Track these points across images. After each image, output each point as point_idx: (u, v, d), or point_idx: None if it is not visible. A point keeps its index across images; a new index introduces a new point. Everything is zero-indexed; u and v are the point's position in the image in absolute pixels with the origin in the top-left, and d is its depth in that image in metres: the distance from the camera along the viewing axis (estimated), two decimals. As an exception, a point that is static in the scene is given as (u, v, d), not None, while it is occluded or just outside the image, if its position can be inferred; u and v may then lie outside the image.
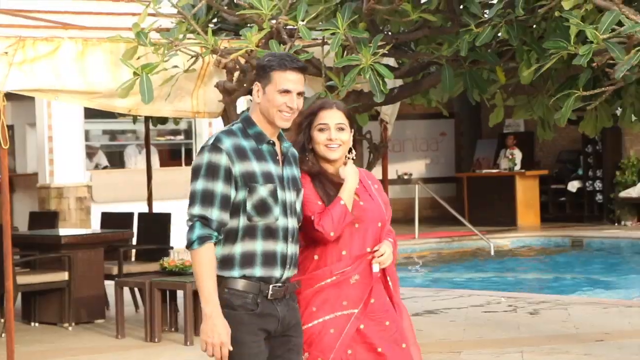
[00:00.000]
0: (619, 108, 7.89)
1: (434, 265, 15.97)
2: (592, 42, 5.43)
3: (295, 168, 4.30)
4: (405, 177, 20.94)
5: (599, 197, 19.39)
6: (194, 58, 7.49)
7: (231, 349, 4.07)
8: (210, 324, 4.04)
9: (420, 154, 21.50)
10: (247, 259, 4.11)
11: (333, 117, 4.40)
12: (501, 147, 20.13)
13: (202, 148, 4.17)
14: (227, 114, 8.13)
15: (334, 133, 4.39)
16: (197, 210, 4.09)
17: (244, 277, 4.12)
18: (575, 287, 13.32)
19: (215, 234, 4.08)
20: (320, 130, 4.40)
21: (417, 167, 21.36)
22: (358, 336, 4.37)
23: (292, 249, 4.20)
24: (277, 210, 4.12)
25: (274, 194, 4.12)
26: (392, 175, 20.68)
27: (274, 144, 4.20)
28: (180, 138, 18.36)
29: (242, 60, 7.51)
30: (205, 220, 4.07)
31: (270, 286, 4.13)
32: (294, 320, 4.25)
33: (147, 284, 8.80)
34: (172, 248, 10.47)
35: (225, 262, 4.12)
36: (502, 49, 7.46)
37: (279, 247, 4.15)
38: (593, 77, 6.89)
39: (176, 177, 16.02)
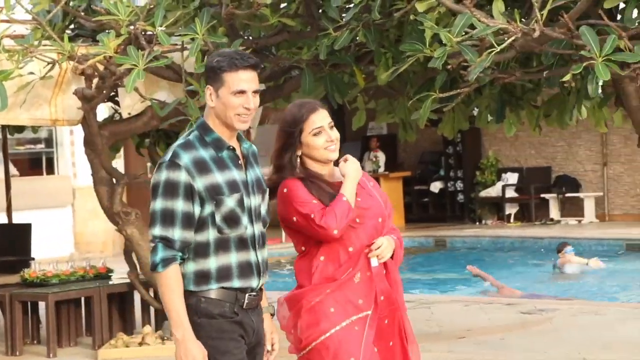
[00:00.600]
0: (476, 109, 8.06)
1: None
2: (446, 45, 5.53)
3: (257, 168, 4.08)
4: (271, 181, 20.93)
5: (460, 197, 19.77)
6: (50, 65, 7.33)
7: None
8: (183, 349, 3.84)
9: (286, 158, 21.51)
10: (224, 273, 3.92)
11: (324, 118, 4.27)
12: (365, 150, 20.34)
13: (160, 164, 3.94)
14: (87, 122, 7.99)
15: (331, 133, 4.27)
16: (157, 231, 3.88)
17: (221, 288, 3.93)
18: (438, 286, 13.54)
19: (179, 254, 3.88)
20: (316, 134, 4.25)
21: (282, 172, 21.36)
22: (385, 334, 4.28)
23: (262, 255, 4.01)
24: (245, 219, 3.94)
25: (241, 203, 3.93)
26: (257, 180, 20.63)
27: (233, 149, 3.98)
28: (40, 147, 17.95)
29: (101, 67, 7.39)
30: (167, 242, 3.87)
31: (246, 295, 3.95)
32: (262, 332, 4.08)
33: (7, 296, 8.58)
34: (33, 259, 10.22)
35: (200, 277, 3.92)
36: (361, 52, 7.54)
37: (251, 256, 3.96)
38: (450, 79, 7.01)
39: (37, 186, 15.65)
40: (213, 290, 3.90)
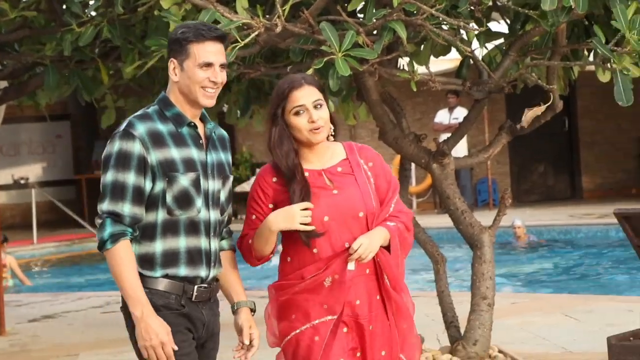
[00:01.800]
0: (225, 105, 8.07)
1: (55, 269, 15.60)
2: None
3: (222, 152, 3.78)
4: (22, 181, 20.28)
5: (215, 192, 19.81)
6: None
7: (176, 347, 3.56)
8: (143, 327, 3.53)
9: (37, 157, 20.90)
10: (170, 258, 3.63)
11: (308, 95, 3.80)
12: (118, 147, 20.03)
13: (113, 135, 3.63)
14: None
15: (315, 113, 3.80)
16: (106, 205, 3.58)
17: (166, 276, 3.63)
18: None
19: (130, 230, 3.58)
20: (297, 114, 3.80)
21: (34, 171, 20.74)
22: (346, 342, 3.81)
23: (216, 244, 3.72)
24: (199, 202, 3.64)
25: (196, 184, 3.63)
26: (7, 180, 19.96)
27: (195, 126, 3.68)
28: None
29: None
30: (116, 217, 3.57)
31: (195, 287, 3.65)
32: (216, 329, 3.78)
33: None
34: None
35: (144, 261, 3.62)
36: (108, 48, 7.39)
37: (202, 243, 3.67)
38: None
39: None
40: (158, 279, 3.62)
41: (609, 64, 5.61)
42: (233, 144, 19.67)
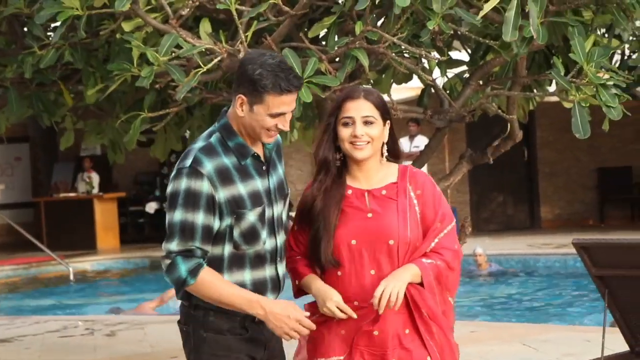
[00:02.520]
0: (188, 131, 8.05)
1: (11, 293, 15.43)
2: (153, 64, 5.50)
3: (280, 166, 3.73)
4: (-22, 204, 20.11)
5: (176, 217, 19.70)
6: None
7: (308, 319, 3.53)
8: (271, 317, 3.50)
9: (-5, 179, 20.75)
10: None
11: (359, 109, 3.67)
12: (78, 171, 19.91)
13: (180, 170, 3.55)
14: None
15: (359, 128, 3.66)
16: (175, 245, 3.50)
17: None
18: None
19: (202, 261, 3.53)
20: (345, 124, 3.68)
21: (-8, 194, 20.59)
22: None
23: (282, 268, 3.69)
24: (264, 234, 3.60)
25: (262, 217, 3.59)
26: (-35, 202, 19.78)
27: (258, 156, 3.63)
28: None
29: None
30: (187, 252, 3.50)
31: None
32: (277, 346, 3.73)
33: None
34: None
35: None
36: (69, 71, 7.36)
37: (267, 272, 3.64)
38: (160, 100, 6.98)
39: None
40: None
41: (568, 95, 5.66)
42: (194, 169, 19.64)
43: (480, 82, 6.19)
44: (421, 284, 3.66)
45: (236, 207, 3.54)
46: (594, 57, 5.34)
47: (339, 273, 3.66)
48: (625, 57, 7.76)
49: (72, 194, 19.57)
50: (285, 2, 5.49)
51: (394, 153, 3.80)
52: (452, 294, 3.75)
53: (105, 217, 19.28)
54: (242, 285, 3.59)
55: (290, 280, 3.83)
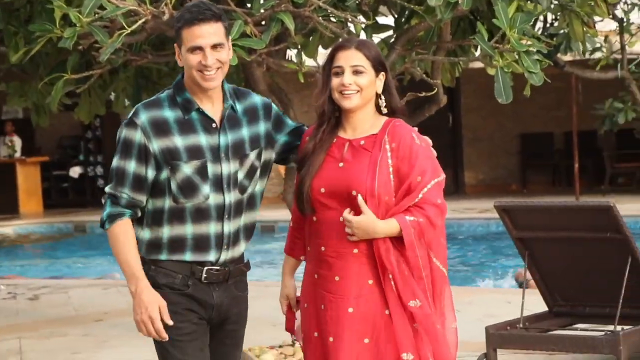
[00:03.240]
0: (113, 93, 7.98)
1: None
2: (76, 25, 5.43)
3: (248, 127, 3.72)
4: None
5: (100, 182, 19.55)
6: None
7: (170, 322, 3.58)
8: (136, 301, 3.59)
9: None
10: (176, 244, 3.67)
11: (349, 58, 3.67)
12: (0, 135, 19.61)
13: (123, 121, 3.70)
14: None
15: (347, 76, 3.65)
16: (108, 188, 3.68)
17: (170, 260, 3.68)
18: (79, 271, 13.35)
19: (128, 211, 3.64)
20: (335, 74, 3.68)
21: None
22: (315, 318, 3.70)
23: (230, 227, 3.69)
24: (206, 189, 3.64)
25: (201, 171, 3.63)
26: None
27: (202, 111, 3.65)
28: None
29: None
30: (114, 198, 3.65)
31: (205, 268, 3.67)
32: (236, 309, 3.77)
33: None
34: None
35: (152, 247, 3.68)
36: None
37: (211, 228, 3.67)
38: (85, 62, 6.89)
39: None
40: (164, 261, 3.67)
41: (492, 61, 5.72)
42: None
43: (407, 48, 6.22)
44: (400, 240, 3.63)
45: (170, 158, 3.63)
46: (516, 23, 5.40)
47: (314, 219, 3.72)
48: (548, 25, 7.87)
49: (-7, 158, 19.29)
50: (210, -36, 5.45)
51: (390, 107, 3.78)
52: (437, 254, 3.72)
53: (28, 181, 19.04)
54: (183, 239, 3.66)
55: None
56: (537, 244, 6.07)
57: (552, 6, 6.42)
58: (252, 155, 3.74)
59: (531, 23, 5.75)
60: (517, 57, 5.53)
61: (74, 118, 8.16)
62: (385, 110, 3.76)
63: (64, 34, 5.50)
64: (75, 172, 19.76)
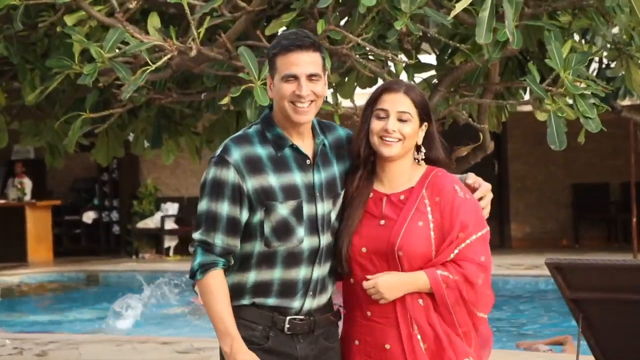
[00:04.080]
0: (131, 134, 8.04)
1: None
2: (97, 61, 5.49)
3: (337, 164, 3.75)
4: None
5: (115, 228, 19.65)
6: None
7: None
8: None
9: None
10: (261, 289, 3.69)
11: (396, 103, 3.69)
12: (9, 176, 19.77)
13: (210, 160, 3.72)
14: None
15: (392, 122, 3.67)
16: (199, 235, 3.68)
17: (253, 304, 3.68)
18: (90, 325, 13.36)
19: (222, 260, 3.66)
20: (378, 117, 3.70)
21: None
22: None
23: (319, 272, 3.71)
24: (301, 231, 3.66)
25: (297, 212, 3.65)
26: None
27: (297, 148, 3.68)
28: None
29: None
30: (207, 246, 3.66)
31: (288, 318, 3.69)
32: None
33: None
34: None
35: (235, 291, 3.69)
36: (4, 67, 7.32)
37: (301, 272, 3.69)
38: (103, 100, 6.96)
39: None
40: (246, 307, 3.68)
41: (543, 105, 5.72)
42: (137, 176, 19.57)
43: (450, 89, 6.24)
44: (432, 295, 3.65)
45: (265, 198, 3.63)
46: (571, 64, 5.40)
47: (352, 280, 3.72)
48: (603, 66, 7.86)
49: (1, 201, 19.41)
50: (241, -3, 5.51)
51: (431, 159, 3.80)
52: (480, 309, 3.71)
53: (38, 227, 19.13)
54: (269, 284, 3.66)
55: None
56: (592, 305, 6.01)
57: (608, 47, 6.43)
58: (342, 195, 3.76)
59: (586, 64, 5.75)
60: (570, 101, 5.53)
61: (88, 159, 8.23)
62: (422, 163, 3.79)
63: (84, 70, 5.57)
64: (88, 217, 19.85)
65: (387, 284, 3.62)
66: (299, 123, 3.67)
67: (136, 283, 16.90)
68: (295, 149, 3.69)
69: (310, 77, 3.64)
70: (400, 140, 3.70)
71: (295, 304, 3.69)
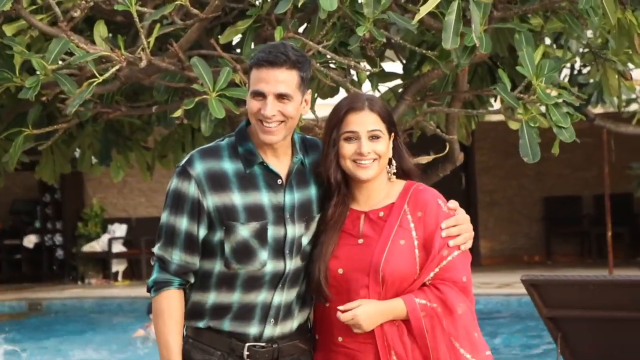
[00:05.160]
0: (78, 150, 7.99)
1: None
2: (39, 73, 5.46)
3: (314, 186, 3.72)
4: None
5: (59, 252, 19.51)
6: None
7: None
8: None
9: None
10: (219, 311, 3.67)
11: (364, 122, 3.67)
12: (-56, 198, 19.63)
13: (175, 170, 3.71)
14: None
15: (365, 145, 3.66)
16: (157, 249, 3.69)
17: (209, 328, 3.67)
18: (32, 357, 13.26)
19: (177, 279, 3.65)
20: (347, 139, 3.68)
21: None
22: None
23: (282, 297, 3.67)
24: (264, 255, 3.62)
25: (260, 234, 3.61)
26: None
27: (266, 166, 3.64)
28: None
29: None
30: (163, 263, 3.66)
31: (247, 345, 3.65)
32: None
33: None
34: None
35: (194, 311, 3.69)
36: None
37: (260, 297, 3.65)
38: (47, 114, 6.92)
39: None
40: (202, 330, 3.67)
41: (515, 114, 5.74)
42: (81, 197, 19.45)
43: (417, 98, 6.26)
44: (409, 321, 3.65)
45: (226, 217, 3.61)
46: (544, 71, 5.42)
47: (327, 304, 3.70)
48: (575, 72, 7.92)
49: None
50: (193, 4, 5.49)
51: (402, 170, 3.80)
52: (463, 343, 3.65)
53: (-24, 252, 19.00)
54: (226, 306, 3.64)
55: None
56: (571, 324, 6.04)
57: (583, 52, 6.48)
58: (316, 219, 3.72)
59: (559, 70, 5.78)
60: (543, 109, 5.56)
61: (29, 179, 8.17)
62: (393, 178, 3.77)
63: (25, 83, 5.53)
64: (30, 241, 19.71)
65: (366, 315, 3.60)
66: (265, 142, 3.64)
67: (83, 311, 16.80)
68: (266, 167, 3.66)
69: (280, 96, 3.61)
70: (375, 159, 3.70)
71: (253, 330, 3.67)
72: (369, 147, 3.67)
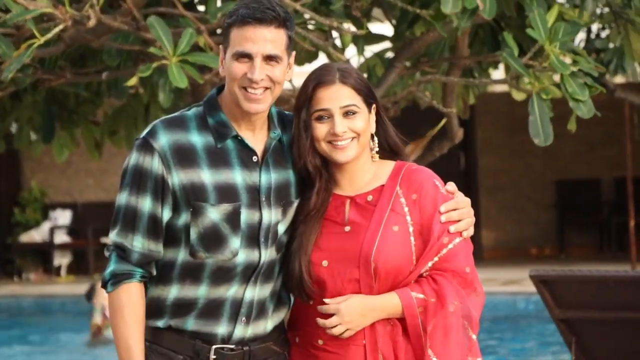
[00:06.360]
0: (14, 124, 7.99)
1: None
2: (-30, 34, 5.47)
3: (293, 167, 3.71)
4: None
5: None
6: None
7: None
8: None
9: None
10: (182, 307, 3.64)
11: (336, 97, 3.66)
12: None
13: (134, 142, 3.65)
14: None
15: (339, 123, 3.65)
16: (114, 236, 3.63)
17: (170, 328, 3.64)
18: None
19: (139, 270, 3.61)
20: (319, 119, 3.68)
21: None
22: None
23: (255, 293, 3.66)
24: (235, 242, 3.61)
25: (232, 218, 3.59)
26: None
27: (241, 140, 3.63)
28: None
29: None
30: (122, 252, 3.61)
31: (214, 347, 3.63)
32: None
33: None
34: None
35: (153, 308, 3.65)
36: None
37: (231, 291, 3.64)
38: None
39: None
40: (161, 331, 3.64)
41: (521, 83, 5.74)
42: (18, 179, 19.44)
43: (408, 64, 6.27)
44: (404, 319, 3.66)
45: (193, 197, 3.60)
46: (558, 35, 5.40)
47: (311, 302, 3.71)
48: (592, 36, 7.92)
49: None
50: (150, -46, 5.51)
51: (389, 147, 3.81)
52: (433, 342, 3.65)
53: None
54: (190, 302, 3.63)
55: None
56: (587, 327, 6.08)
57: (602, 12, 6.47)
58: (294, 205, 3.73)
59: (576, 35, 5.76)
60: (556, 79, 5.54)
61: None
62: (376, 157, 3.78)
63: (-46, 45, 5.53)
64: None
65: (352, 310, 3.62)
66: (249, 112, 3.63)
67: (20, 311, 16.80)
68: (240, 141, 3.66)
69: (268, 58, 3.60)
70: (354, 138, 3.70)
71: (221, 329, 3.67)
72: (343, 126, 3.67)
